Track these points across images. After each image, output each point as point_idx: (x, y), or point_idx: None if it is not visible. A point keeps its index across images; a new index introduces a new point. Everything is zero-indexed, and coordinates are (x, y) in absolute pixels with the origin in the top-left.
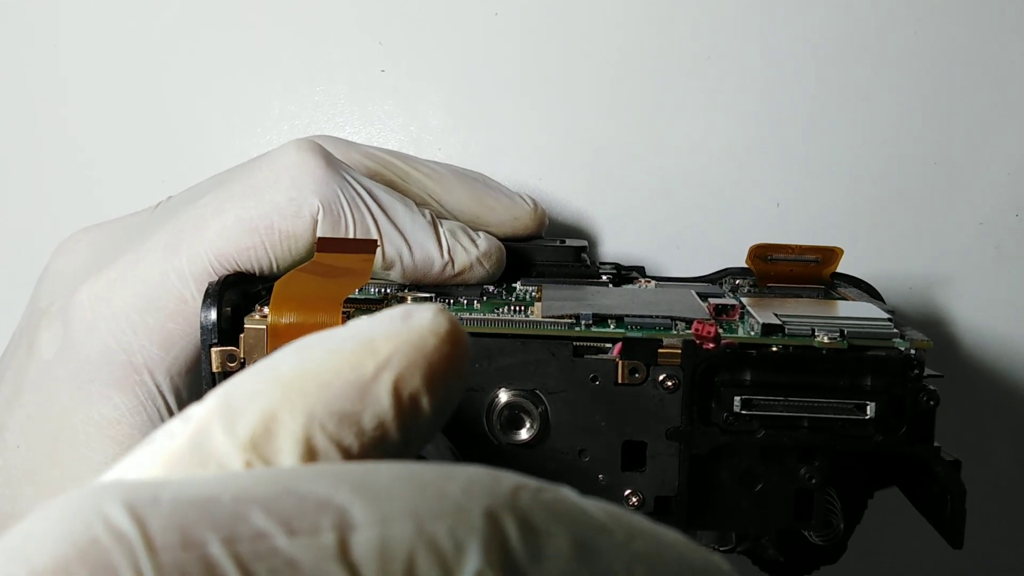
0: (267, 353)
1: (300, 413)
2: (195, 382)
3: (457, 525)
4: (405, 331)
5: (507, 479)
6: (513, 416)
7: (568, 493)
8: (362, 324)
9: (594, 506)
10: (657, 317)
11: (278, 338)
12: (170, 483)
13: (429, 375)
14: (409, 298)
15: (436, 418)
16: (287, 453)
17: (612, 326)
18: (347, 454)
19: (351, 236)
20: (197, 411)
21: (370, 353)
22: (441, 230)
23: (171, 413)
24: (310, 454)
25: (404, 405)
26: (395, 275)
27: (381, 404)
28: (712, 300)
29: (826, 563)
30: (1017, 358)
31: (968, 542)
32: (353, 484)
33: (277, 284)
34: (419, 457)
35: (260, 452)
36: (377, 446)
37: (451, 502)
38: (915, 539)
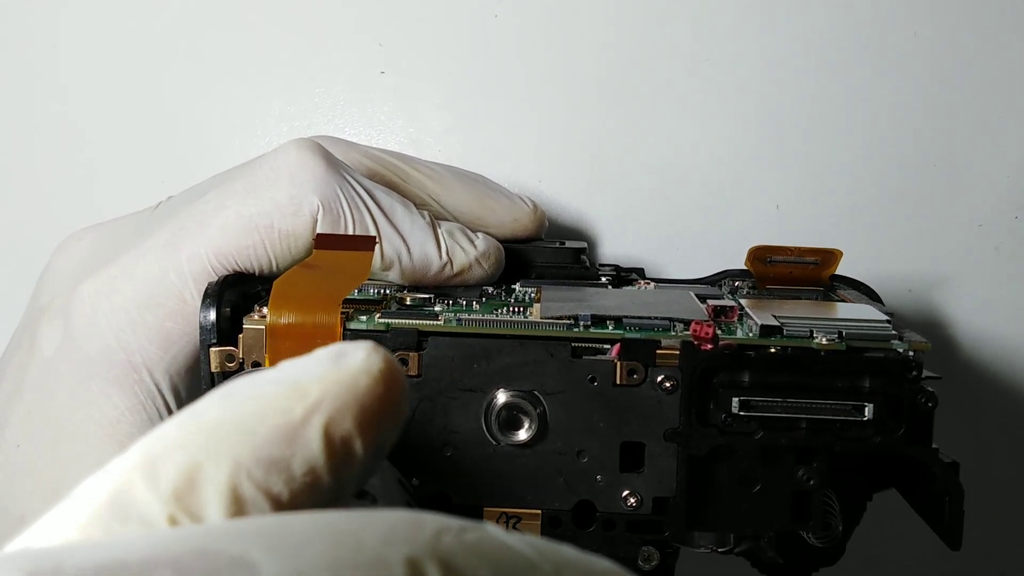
0: (265, 353)
1: (224, 462)
2: (194, 382)
3: None
4: (335, 372)
5: (428, 522)
6: (511, 417)
7: (493, 531)
8: (290, 366)
9: (520, 542)
10: (656, 318)
11: (277, 338)
12: (76, 549)
13: (361, 417)
14: (408, 299)
15: (370, 460)
16: (213, 504)
17: (611, 327)
18: (277, 502)
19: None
20: (118, 464)
21: (298, 396)
22: (440, 231)
23: (171, 412)
24: (237, 504)
25: (336, 449)
26: (394, 275)
27: (311, 449)
28: (711, 302)
29: (825, 565)
30: (1016, 360)
31: (966, 543)
32: (267, 540)
33: (276, 283)
34: (362, 492)
35: (184, 505)
36: (308, 492)
37: (370, 552)
38: (913, 541)
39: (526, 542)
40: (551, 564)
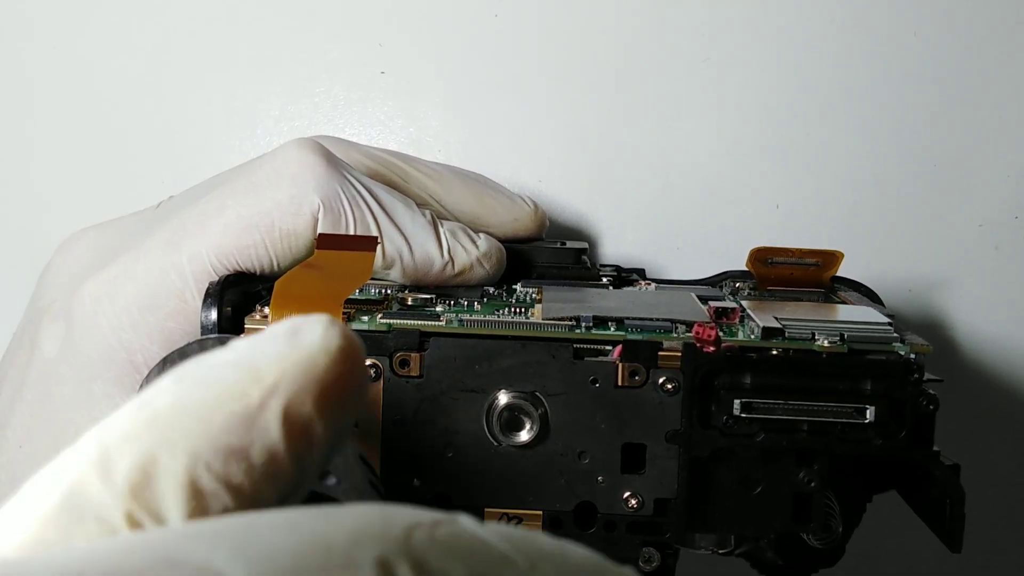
0: None
1: (181, 453)
2: None
3: None
4: (292, 352)
5: (398, 518)
6: (513, 418)
7: (466, 523)
8: (244, 347)
9: (494, 534)
10: (657, 320)
11: None
12: (30, 562)
13: (321, 398)
14: (409, 299)
15: (332, 441)
16: (171, 498)
17: (612, 328)
18: (238, 492)
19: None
20: (71, 458)
21: (254, 380)
22: (441, 230)
23: None
24: (197, 497)
25: (296, 433)
26: (395, 275)
27: (270, 435)
28: (712, 303)
29: (824, 566)
30: (1017, 362)
31: (967, 546)
32: (232, 544)
33: (277, 283)
34: (324, 473)
35: (141, 500)
36: (270, 480)
37: (339, 554)
38: (914, 543)
39: (500, 534)
40: (526, 557)
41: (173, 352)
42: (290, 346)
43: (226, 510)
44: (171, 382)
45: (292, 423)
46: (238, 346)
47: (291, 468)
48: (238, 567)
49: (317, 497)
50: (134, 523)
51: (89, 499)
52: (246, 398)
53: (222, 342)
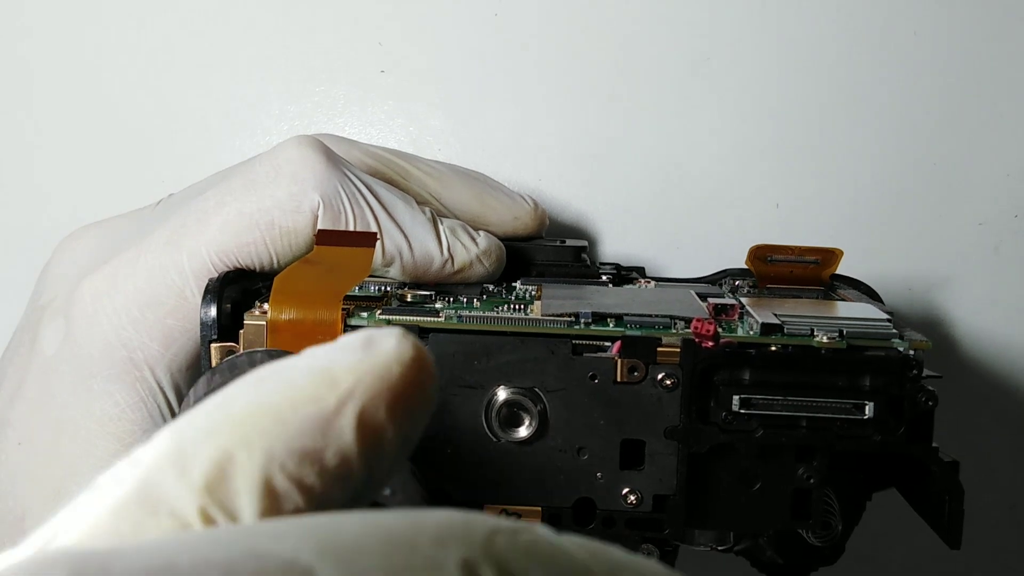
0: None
1: (257, 452)
2: (196, 379)
3: None
4: (368, 360)
5: (480, 523)
6: (512, 414)
7: (544, 532)
8: (320, 353)
9: (572, 544)
10: (656, 316)
11: (278, 334)
12: (121, 552)
13: (394, 406)
14: (409, 295)
15: (401, 449)
16: (245, 496)
17: (611, 324)
18: (309, 493)
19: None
20: (146, 453)
21: (331, 385)
22: (441, 227)
23: (171, 409)
24: (270, 496)
25: (368, 439)
26: (395, 272)
27: (344, 439)
28: (712, 300)
29: (824, 564)
30: (1016, 359)
31: (966, 543)
32: (318, 542)
33: (277, 279)
34: None
35: (216, 496)
36: (340, 483)
37: (424, 555)
38: (913, 540)
39: (578, 544)
40: (604, 567)
41: (222, 363)
42: (366, 355)
43: (297, 510)
44: (249, 384)
45: (365, 429)
46: (315, 353)
47: (362, 473)
48: (326, 563)
49: (375, 506)
50: (207, 519)
51: (164, 493)
52: (323, 402)
53: (271, 355)
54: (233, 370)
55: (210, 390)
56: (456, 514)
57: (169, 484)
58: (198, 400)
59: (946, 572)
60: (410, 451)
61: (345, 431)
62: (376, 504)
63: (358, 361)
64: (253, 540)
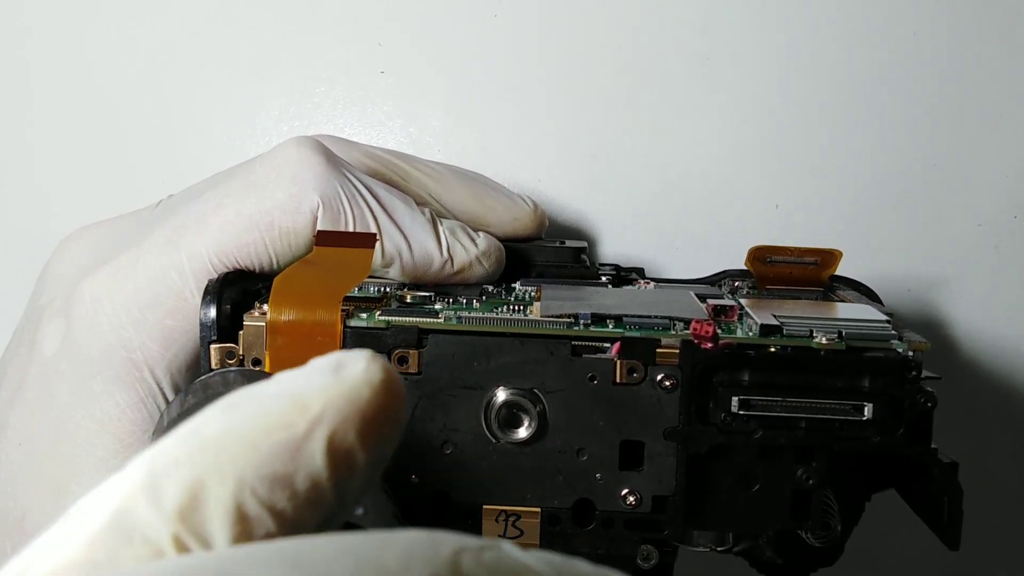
0: (266, 350)
1: (229, 479)
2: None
3: None
4: (337, 384)
5: (446, 542)
6: (511, 415)
7: (510, 549)
8: (289, 378)
9: (537, 560)
10: (656, 317)
11: (277, 335)
12: None
13: (364, 429)
14: (408, 296)
15: (371, 471)
16: (217, 522)
17: (611, 326)
18: (281, 518)
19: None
20: (119, 482)
21: (301, 410)
22: (440, 228)
23: None
24: (242, 522)
25: (339, 463)
26: (394, 273)
27: (315, 464)
28: (711, 301)
29: (823, 565)
30: (1015, 360)
31: (965, 544)
32: (288, 566)
33: (276, 280)
34: None
35: (188, 523)
36: (312, 507)
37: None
38: (912, 541)
39: (542, 560)
40: None
41: (195, 383)
42: (335, 379)
43: (269, 535)
44: (219, 411)
45: (336, 452)
46: (283, 378)
47: (332, 496)
48: None
49: (347, 526)
50: (181, 546)
51: (137, 521)
52: (293, 427)
53: (244, 375)
54: (207, 390)
55: (183, 411)
56: (422, 534)
57: (142, 512)
58: (171, 421)
59: (946, 573)
60: (380, 472)
61: (316, 455)
62: (348, 523)
63: (328, 385)
64: (225, 567)
